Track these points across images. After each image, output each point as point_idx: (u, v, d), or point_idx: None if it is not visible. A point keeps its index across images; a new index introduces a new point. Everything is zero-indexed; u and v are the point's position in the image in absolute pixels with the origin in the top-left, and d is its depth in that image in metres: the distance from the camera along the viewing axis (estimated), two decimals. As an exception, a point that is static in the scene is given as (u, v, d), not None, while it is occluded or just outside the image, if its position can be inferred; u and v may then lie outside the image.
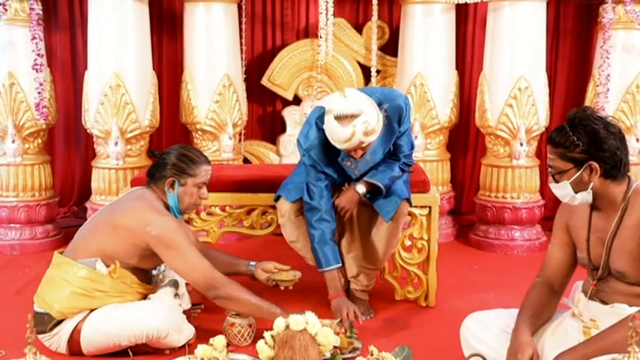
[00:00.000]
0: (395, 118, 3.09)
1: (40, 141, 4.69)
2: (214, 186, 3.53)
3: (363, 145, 2.90)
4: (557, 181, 2.26)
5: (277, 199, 3.29)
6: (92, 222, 2.95)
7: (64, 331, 2.80)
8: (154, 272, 3.07)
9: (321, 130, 3.02)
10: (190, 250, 2.81)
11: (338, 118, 2.83)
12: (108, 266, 2.82)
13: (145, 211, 2.82)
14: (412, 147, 3.25)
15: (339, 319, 2.93)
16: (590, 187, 2.22)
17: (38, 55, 4.42)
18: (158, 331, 2.77)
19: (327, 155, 3.10)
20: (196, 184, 2.92)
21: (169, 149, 3.00)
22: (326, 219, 3.13)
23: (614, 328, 2.13)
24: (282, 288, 3.13)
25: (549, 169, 2.28)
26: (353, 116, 2.82)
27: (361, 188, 3.14)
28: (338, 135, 2.87)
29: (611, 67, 4.62)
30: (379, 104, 3.00)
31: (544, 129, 4.67)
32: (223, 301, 2.84)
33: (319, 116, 3.03)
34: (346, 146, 2.90)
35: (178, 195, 2.91)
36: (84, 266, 2.80)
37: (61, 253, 2.91)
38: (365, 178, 3.16)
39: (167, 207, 2.93)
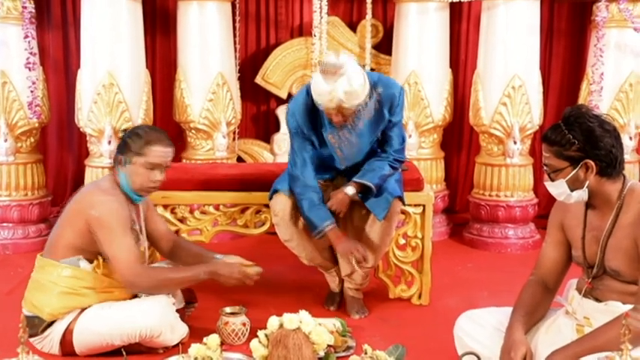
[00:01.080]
0: (387, 104, 3.09)
1: (32, 140, 4.67)
2: (209, 185, 3.53)
3: (344, 106, 2.88)
4: (552, 180, 2.26)
5: (271, 197, 3.28)
6: (59, 218, 2.93)
7: (55, 333, 2.79)
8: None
9: (309, 95, 3.01)
10: (121, 239, 2.74)
11: (323, 71, 2.85)
12: (91, 262, 2.80)
13: (92, 194, 2.81)
14: (403, 141, 3.24)
15: (337, 320, 2.94)
16: (586, 185, 2.22)
17: (31, 53, 4.41)
18: (151, 330, 2.76)
19: (311, 121, 3.10)
20: (144, 164, 2.80)
21: (133, 127, 2.99)
22: (311, 186, 3.12)
23: (608, 326, 2.13)
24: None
25: (544, 168, 2.28)
26: (337, 69, 2.82)
27: (350, 190, 3.13)
28: (319, 88, 2.88)
29: (604, 66, 4.63)
30: (374, 86, 3.02)
31: (538, 127, 4.68)
32: (147, 291, 2.82)
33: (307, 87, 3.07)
34: (326, 102, 2.88)
35: (128, 174, 2.83)
36: (67, 265, 2.79)
37: (42, 255, 2.89)
38: (354, 179, 3.15)
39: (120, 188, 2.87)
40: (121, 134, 2.98)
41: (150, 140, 2.83)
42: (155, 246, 3.13)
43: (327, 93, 2.85)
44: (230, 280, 2.89)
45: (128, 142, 2.84)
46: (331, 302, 3.45)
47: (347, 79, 2.83)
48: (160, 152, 2.83)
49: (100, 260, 2.80)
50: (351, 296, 3.39)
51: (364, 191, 3.16)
